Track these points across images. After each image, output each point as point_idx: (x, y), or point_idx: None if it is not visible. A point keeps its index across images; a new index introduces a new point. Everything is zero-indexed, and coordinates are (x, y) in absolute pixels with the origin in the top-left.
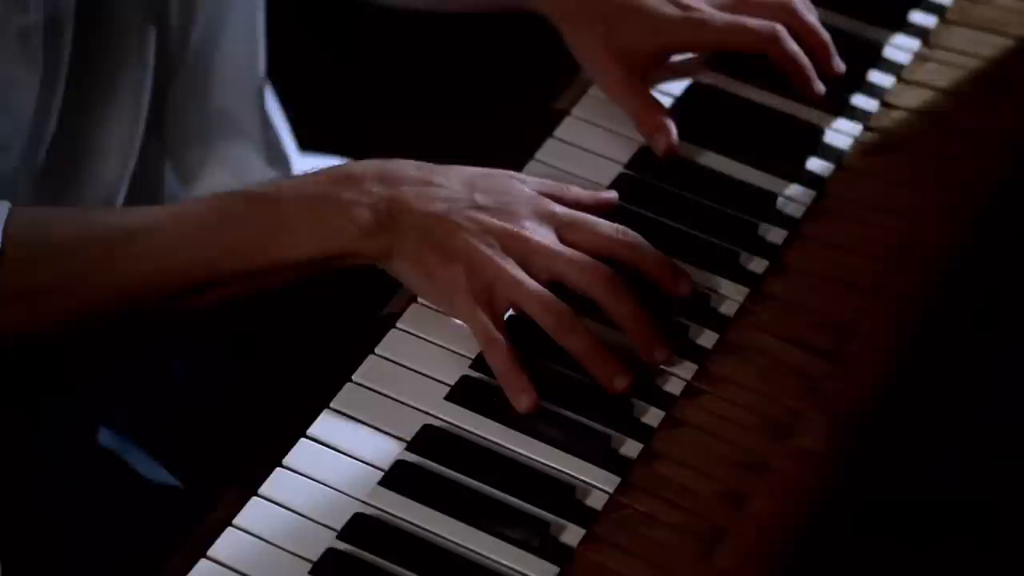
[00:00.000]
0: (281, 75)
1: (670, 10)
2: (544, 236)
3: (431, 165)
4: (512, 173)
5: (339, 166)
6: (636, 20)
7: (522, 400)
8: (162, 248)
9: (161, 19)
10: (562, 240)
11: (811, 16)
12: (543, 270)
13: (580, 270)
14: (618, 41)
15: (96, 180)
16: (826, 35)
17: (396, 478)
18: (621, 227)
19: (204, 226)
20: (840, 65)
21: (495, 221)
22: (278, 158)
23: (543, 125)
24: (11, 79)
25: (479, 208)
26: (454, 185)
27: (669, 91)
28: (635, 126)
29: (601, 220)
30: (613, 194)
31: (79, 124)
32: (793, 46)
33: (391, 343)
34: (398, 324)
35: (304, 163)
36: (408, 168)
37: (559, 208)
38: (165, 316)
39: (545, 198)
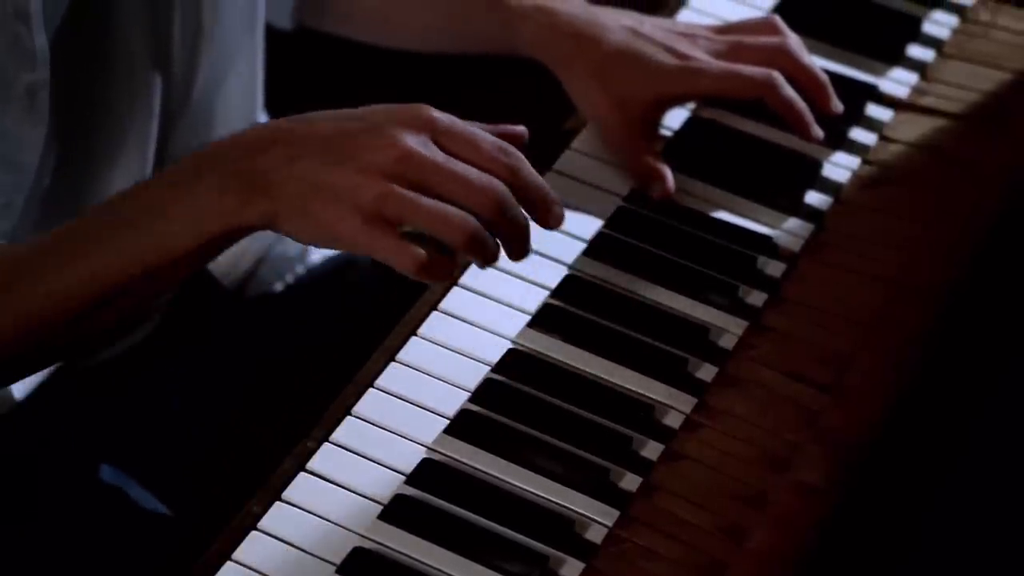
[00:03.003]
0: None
1: (667, 59)
2: (426, 148)
3: (309, 114)
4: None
5: (211, 144)
6: (633, 69)
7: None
8: (48, 269)
9: (166, 66)
10: (440, 148)
11: (807, 58)
12: (432, 188)
13: (471, 191)
14: (615, 89)
15: None
16: (823, 76)
17: (396, 512)
18: (503, 144)
19: (88, 237)
20: (838, 106)
21: (373, 147)
22: None
23: (547, 151)
24: (18, 136)
25: (348, 136)
26: (323, 126)
27: (668, 124)
28: (630, 174)
29: (482, 133)
30: (522, 128)
31: (85, 176)
32: (789, 92)
33: (391, 376)
34: (398, 357)
35: None
36: (276, 126)
37: (436, 113)
38: (81, 338)
39: (418, 106)
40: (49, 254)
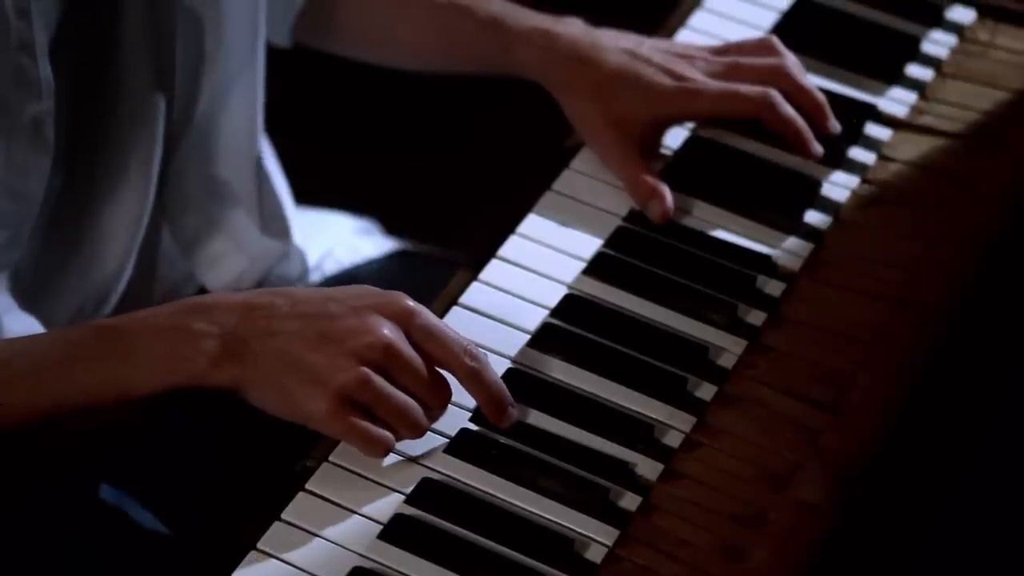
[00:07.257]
0: (274, 129)
1: (665, 80)
2: (402, 341)
3: (290, 289)
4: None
5: (193, 298)
6: (631, 91)
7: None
8: (5, 384)
9: (168, 90)
10: (412, 343)
11: (804, 78)
12: (398, 379)
13: (432, 392)
14: (614, 111)
15: (104, 257)
16: (820, 96)
17: (395, 531)
18: (469, 347)
19: (51, 361)
20: (836, 125)
21: (354, 332)
22: (275, 225)
23: (547, 171)
24: (25, 166)
25: (331, 318)
26: (306, 304)
27: (668, 144)
28: (629, 194)
29: (452, 333)
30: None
31: (88, 201)
32: (788, 110)
33: None
34: None
35: (303, 221)
36: (264, 295)
37: (413, 304)
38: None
39: (398, 295)
40: (11, 369)
